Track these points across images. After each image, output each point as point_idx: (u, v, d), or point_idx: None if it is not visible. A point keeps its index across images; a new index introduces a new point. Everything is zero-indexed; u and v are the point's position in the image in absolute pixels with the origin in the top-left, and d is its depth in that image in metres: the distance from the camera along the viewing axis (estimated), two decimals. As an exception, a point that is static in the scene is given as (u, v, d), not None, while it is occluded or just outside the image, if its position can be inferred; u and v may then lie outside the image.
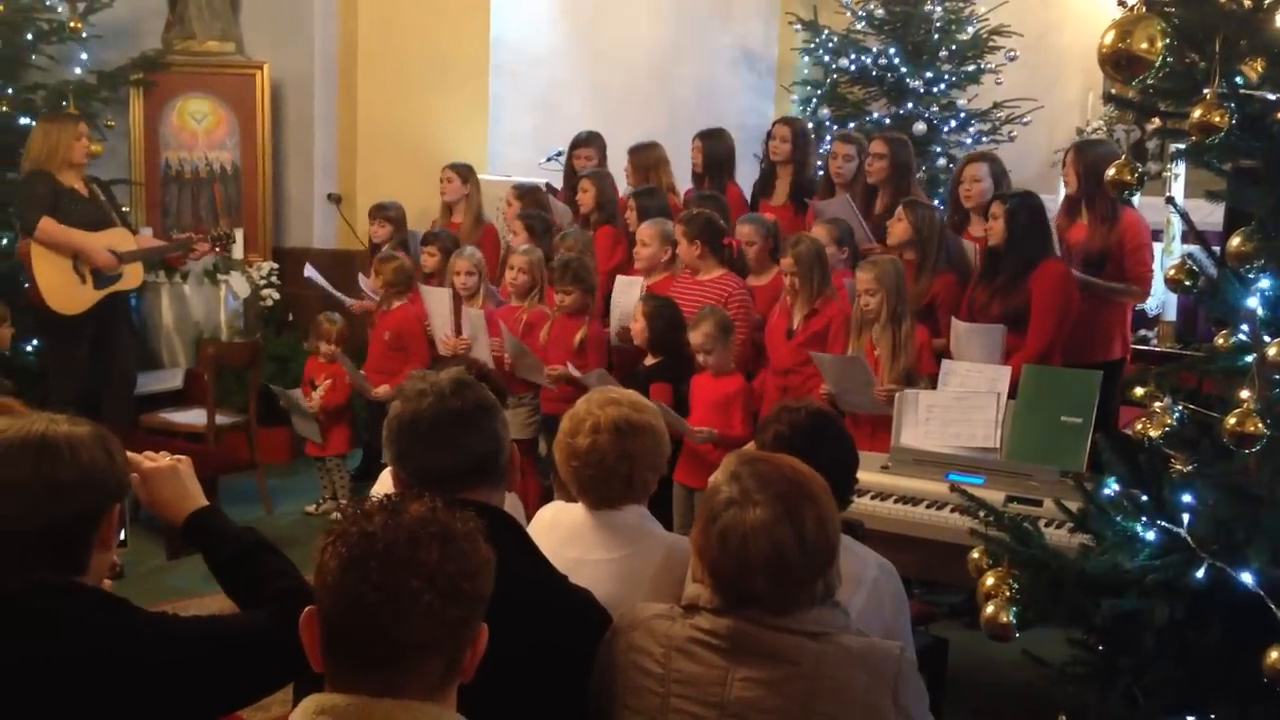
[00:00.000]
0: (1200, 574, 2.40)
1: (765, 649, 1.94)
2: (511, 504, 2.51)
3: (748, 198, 6.73)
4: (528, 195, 6.55)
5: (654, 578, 2.46)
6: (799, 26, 9.09)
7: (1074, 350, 4.90)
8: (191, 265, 6.93)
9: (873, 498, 4.09)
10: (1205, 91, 2.35)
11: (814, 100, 8.99)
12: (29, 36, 6.61)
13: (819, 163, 6.85)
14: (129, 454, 2.06)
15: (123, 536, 2.03)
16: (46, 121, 6.00)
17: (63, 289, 5.82)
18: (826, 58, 8.93)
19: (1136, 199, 5.36)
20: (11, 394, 2.95)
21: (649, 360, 5.14)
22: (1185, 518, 2.49)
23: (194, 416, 6.34)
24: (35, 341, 6.22)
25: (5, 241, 6.36)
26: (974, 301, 4.92)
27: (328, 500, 6.29)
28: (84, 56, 6.94)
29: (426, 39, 7.68)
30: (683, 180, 6.90)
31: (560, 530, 2.58)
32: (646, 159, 6.61)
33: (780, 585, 1.93)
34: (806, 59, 9.24)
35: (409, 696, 1.57)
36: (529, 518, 2.79)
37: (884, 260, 4.77)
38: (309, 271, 6.64)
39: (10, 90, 6.46)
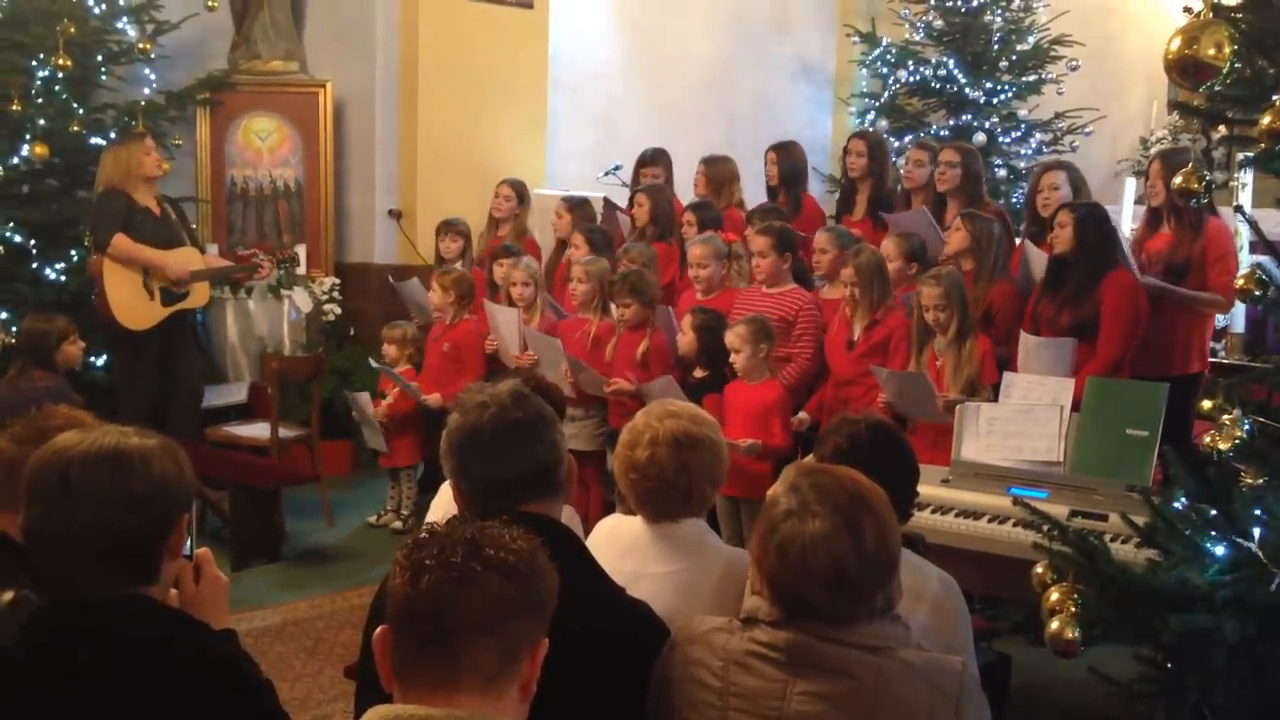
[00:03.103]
0: (1272, 589, 2.35)
1: (824, 662, 1.92)
2: (568, 516, 2.51)
3: (821, 210, 6.72)
4: (579, 208, 6.58)
5: (712, 591, 2.45)
6: (857, 39, 9.07)
7: (1150, 363, 4.79)
8: (255, 281, 7.05)
9: (933, 511, 4.05)
10: (1274, 98, 2.31)
11: (872, 113, 8.95)
12: (99, 58, 6.77)
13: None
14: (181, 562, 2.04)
15: (188, 550, 2.05)
16: (114, 146, 6.14)
17: (131, 305, 5.94)
18: (885, 70, 8.89)
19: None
20: (82, 408, 3.01)
21: (698, 373, 5.14)
22: (1256, 532, 2.44)
23: (258, 430, 6.44)
24: (104, 357, 6.35)
25: (77, 259, 6.51)
26: (1040, 313, 4.85)
27: (389, 512, 6.35)
28: (152, 77, 7.10)
29: (485, 57, 7.76)
30: (747, 192, 6.89)
31: (619, 543, 2.58)
32: (720, 172, 6.62)
33: (839, 597, 1.91)
34: (864, 71, 9.21)
35: (465, 686, 1.60)
36: (590, 530, 2.79)
37: (947, 274, 4.72)
38: (404, 282, 6.68)
39: (81, 111, 6.61)
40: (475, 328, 6.11)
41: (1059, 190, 5.36)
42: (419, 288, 6.65)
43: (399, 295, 6.81)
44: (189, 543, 2.04)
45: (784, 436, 4.81)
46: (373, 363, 6.22)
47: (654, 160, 6.92)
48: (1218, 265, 5.01)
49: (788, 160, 6.55)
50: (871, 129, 8.41)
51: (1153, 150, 8.77)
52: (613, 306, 5.51)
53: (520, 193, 6.89)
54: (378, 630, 1.66)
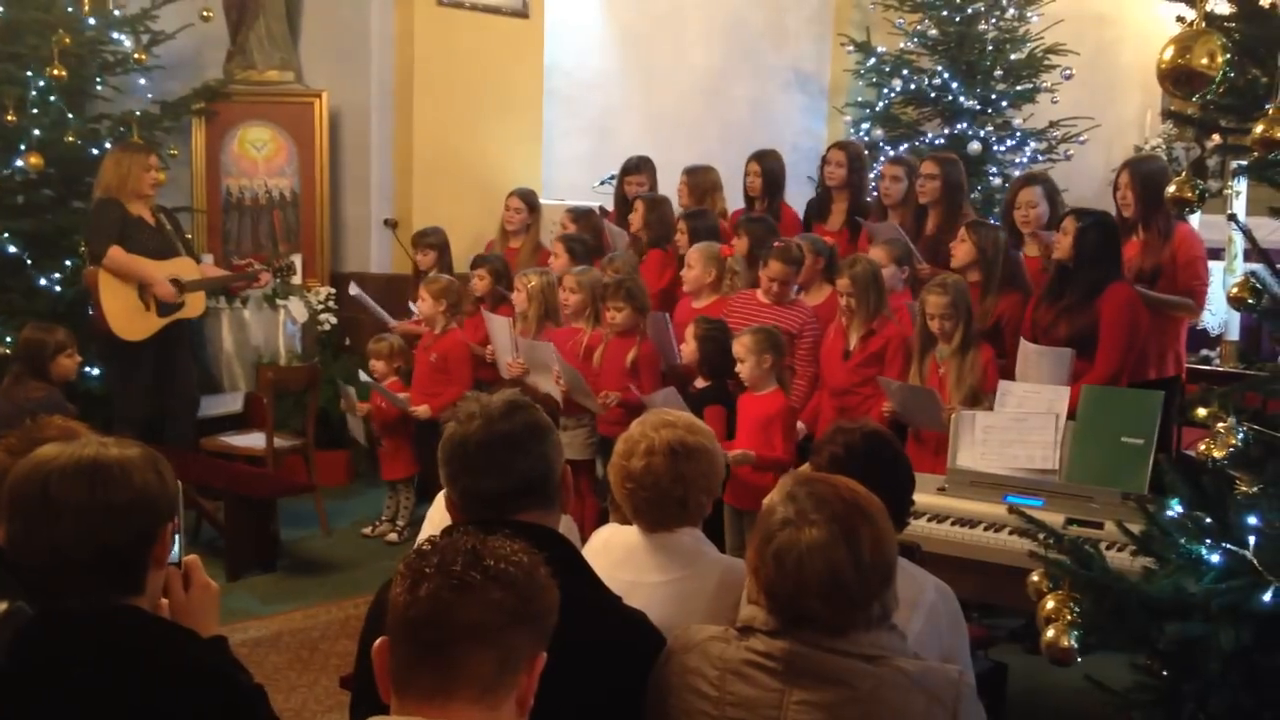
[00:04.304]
0: (1267, 597, 2.35)
1: (821, 671, 1.92)
2: (566, 526, 2.51)
3: (800, 218, 6.73)
4: (582, 219, 6.59)
5: (709, 600, 2.45)
6: (851, 48, 9.08)
7: (1129, 368, 4.81)
8: (251, 291, 7.05)
9: (929, 520, 4.05)
10: (1267, 106, 2.32)
11: (867, 121, 8.97)
12: (94, 69, 6.78)
13: (874, 185, 6.84)
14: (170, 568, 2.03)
15: (177, 557, 2.04)
16: (119, 151, 6.13)
17: (127, 316, 5.94)
18: (879, 79, 8.91)
19: (1196, 216, 5.26)
20: (76, 419, 3.00)
21: (699, 383, 5.14)
22: (1251, 540, 2.44)
23: (253, 440, 6.43)
24: (99, 368, 6.34)
25: (72, 269, 6.51)
26: (1037, 322, 4.85)
27: (384, 522, 6.34)
28: (147, 87, 7.09)
29: (481, 66, 7.76)
30: (732, 201, 6.90)
31: (614, 552, 2.58)
32: (703, 181, 6.63)
33: (836, 607, 1.92)
34: (859, 80, 9.23)
35: (460, 695, 1.60)
36: (585, 539, 2.79)
37: (953, 282, 4.72)
38: (355, 290, 6.74)
39: (76, 121, 6.61)
40: (463, 338, 6.10)
41: (1037, 207, 5.40)
42: (364, 297, 6.68)
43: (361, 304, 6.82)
44: (178, 549, 2.03)
45: (785, 448, 4.79)
46: (363, 376, 6.20)
47: (639, 168, 6.94)
48: (1187, 270, 5.07)
49: (771, 167, 6.58)
50: (855, 139, 8.43)
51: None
52: (608, 312, 5.49)
53: (530, 203, 6.92)
54: (377, 642, 1.67)
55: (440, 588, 1.60)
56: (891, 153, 8.13)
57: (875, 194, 6.62)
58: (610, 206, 7.22)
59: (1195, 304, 5.16)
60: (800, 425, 5.01)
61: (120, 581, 1.88)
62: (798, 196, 7.21)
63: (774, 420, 4.81)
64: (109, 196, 5.96)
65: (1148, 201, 5.05)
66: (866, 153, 7.13)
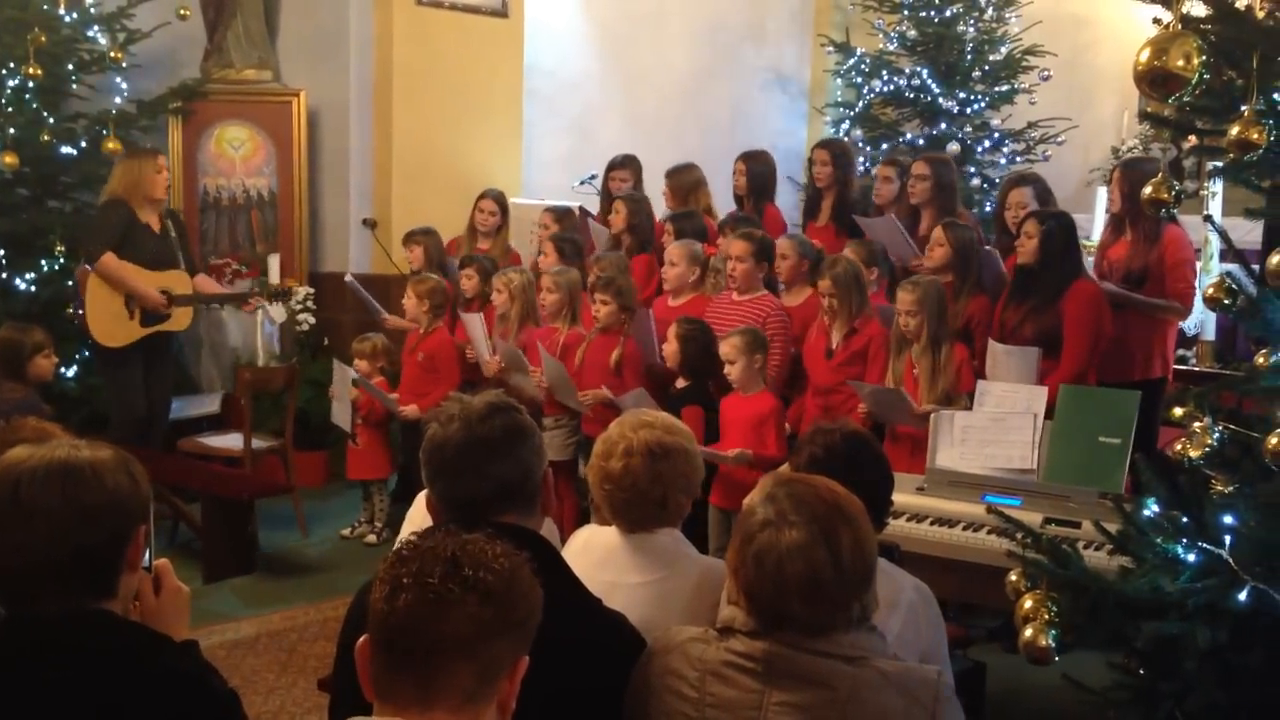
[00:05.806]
0: (1243, 596, 2.37)
1: (801, 672, 1.92)
2: (547, 529, 2.50)
3: (785, 219, 6.72)
4: (564, 218, 6.58)
5: (689, 601, 2.45)
6: (831, 49, 9.11)
7: (1114, 369, 4.84)
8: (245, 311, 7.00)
9: (909, 519, 4.06)
10: (1243, 108, 2.34)
11: (847, 122, 9.00)
12: (70, 67, 6.73)
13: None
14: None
15: (147, 561, 2.03)
16: (128, 157, 6.08)
17: (108, 321, 5.90)
18: (859, 79, 8.94)
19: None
20: (52, 420, 2.97)
21: (680, 383, 5.14)
22: (1227, 539, 2.46)
23: (231, 441, 6.39)
24: (74, 369, 6.30)
25: (47, 269, 6.46)
26: (1005, 322, 4.88)
27: (363, 524, 6.31)
28: (124, 86, 7.05)
29: (461, 65, 7.75)
30: (717, 200, 6.90)
31: (594, 553, 2.57)
32: (684, 181, 6.62)
33: (815, 608, 1.92)
34: (839, 81, 9.26)
35: (440, 704, 1.59)
36: (565, 539, 2.79)
37: (925, 282, 4.75)
38: (350, 279, 6.69)
39: (51, 120, 6.56)
40: (449, 337, 6.09)
41: (1027, 208, 5.39)
42: (358, 287, 6.64)
43: (354, 295, 6.78)
44: (148, 554, 2.01)
45: (778, 447, 4.79)
46: (353, 374, 6.15)
47: (624, 165, 6.93)
48: (1174, 272, 5.09)
49: (757, 168, 6.57)
50: (844, 137, 8.45)
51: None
52: (593, 304, 5.46)
53: (503, 205, 6.90)
54: (360, 640, 1.65)
55: (418, 600, 1.58)
56: (870, 153, 8.17)
57: (862, 190, 6.60)
58: (590, 206, 7.21)
59: (1183, 307, 5.17)
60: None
61: (92, 585, 1.86)
62: (779, 198, 7.21)
63: (767, 420, 4.82)
64: (117, 198, 5.92)
65: (1134, 200, 5.07)
66: (849, 146, 7.09)
